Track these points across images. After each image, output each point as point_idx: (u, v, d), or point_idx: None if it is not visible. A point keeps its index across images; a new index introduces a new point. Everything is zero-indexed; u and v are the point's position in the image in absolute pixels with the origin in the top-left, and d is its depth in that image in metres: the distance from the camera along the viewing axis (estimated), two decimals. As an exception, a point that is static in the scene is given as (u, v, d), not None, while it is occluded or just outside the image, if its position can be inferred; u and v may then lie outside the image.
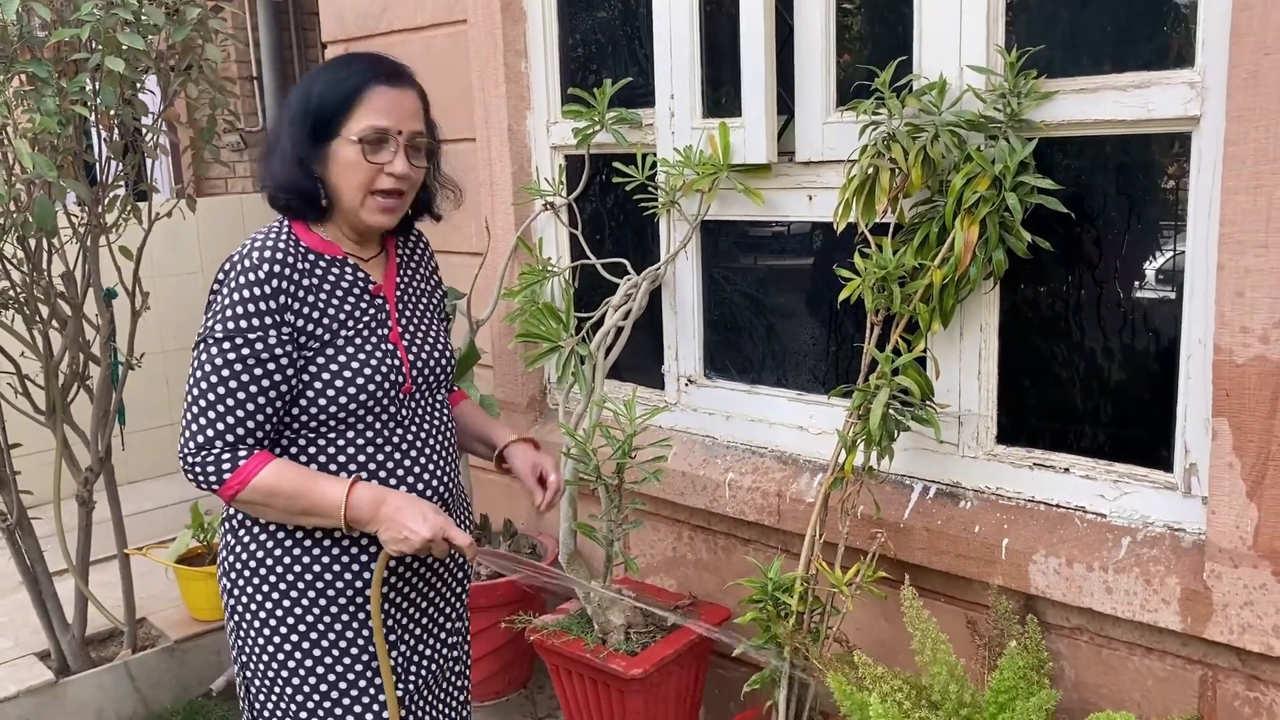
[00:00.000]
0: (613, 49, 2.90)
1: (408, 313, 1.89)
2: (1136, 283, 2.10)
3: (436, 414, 1.92)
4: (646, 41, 2.76)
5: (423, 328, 1.91)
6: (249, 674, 1.88)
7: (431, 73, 3.15)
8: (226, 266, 1.76)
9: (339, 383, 1.76)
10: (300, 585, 1.81)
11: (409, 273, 1.94)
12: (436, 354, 1.91)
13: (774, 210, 2.54)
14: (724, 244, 2.75)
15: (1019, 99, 2.06)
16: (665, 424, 2.80)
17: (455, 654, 2.04)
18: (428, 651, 1.96)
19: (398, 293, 1.89)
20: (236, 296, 1.71)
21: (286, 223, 1.80)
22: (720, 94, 2.62)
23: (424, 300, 1.95)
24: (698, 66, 2.60)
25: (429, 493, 1.86)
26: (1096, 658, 2.17)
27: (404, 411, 1.84)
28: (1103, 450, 2.16)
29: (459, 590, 2.03)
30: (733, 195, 2.59)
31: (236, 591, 1.84)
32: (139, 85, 2.93)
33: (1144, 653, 2.11)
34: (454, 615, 2.02)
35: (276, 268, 1.72)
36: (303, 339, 1.74)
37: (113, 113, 2.81)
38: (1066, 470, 2.19)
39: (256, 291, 1.71)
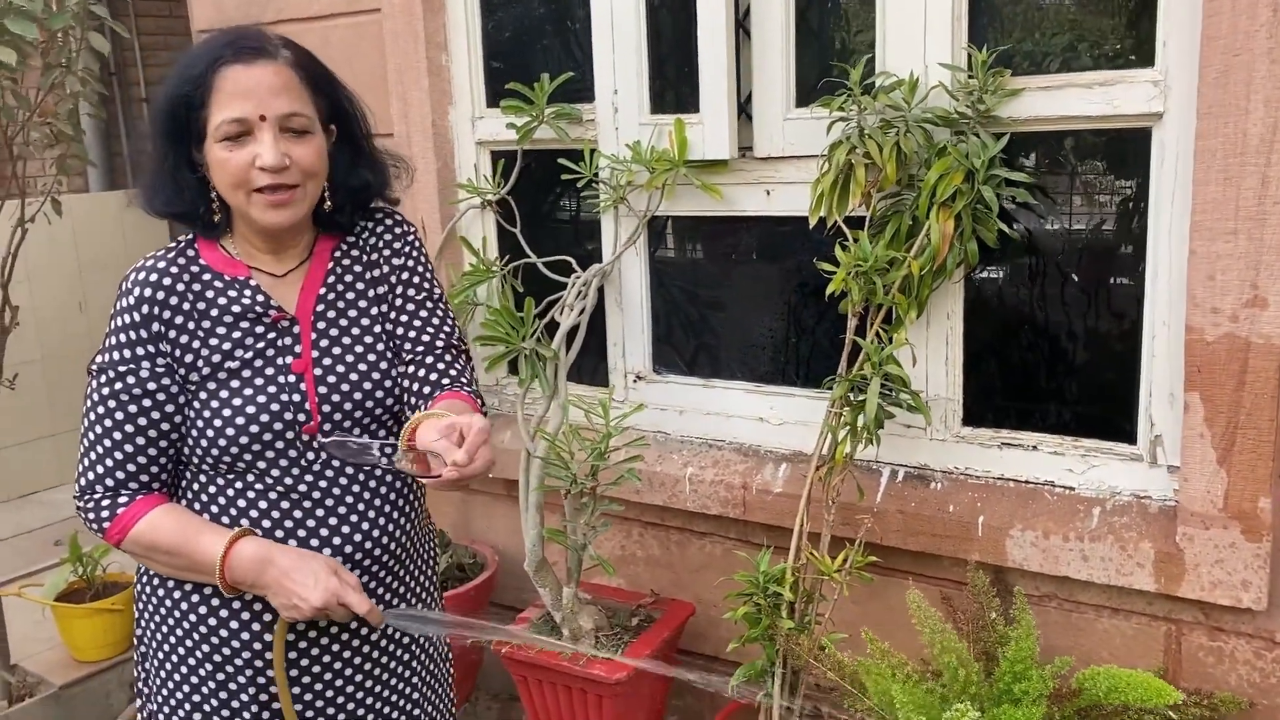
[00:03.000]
0: (542, 42, 2.83)
1: (333, 333, 1.63)
2: (1099, 268, 2.23)
3: None
4: (582, 34, 2.71)
5: (353, 352, 1.63)
6: (151, 709, 1.71)
7: (331, 66, 3.02)
8: (119, 288, 1.59)
9: (218, 422, 1.54)
10: (205, 648, 1.61)
11: (344, 284, 1.66)
12: (367, 386, 1.62)
13: (730, 206, 2.56)
14: (672, 239, 2.75)
15: (989, 95, 2.15)
16: (612, 420, 2.76)
17: None
18: None
19: (319, 309, 1.63)
20: (112, 325, 1.57)
21: (192, 237, 1.63)
22: (666, 89, 2.61)
23: (366, 319, 1.67)
24: (644, 62, 2.58)
25: (337, 556, 1.60)
26: (1066, 621, 2.31)
27: (309, 456, 1.59)
28: (1068, 427, 2.29)
29: (404, 656, 1.74)
30: (684, 190, 2.58)
31: (140, 629, 1.70)
32: (17, 79, 2.64)
33: (1111, 613, 2.25)
34: (404, 688, 1.75)
35: (149, 291, 1.54)
36: (183, 371, 1.55)
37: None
38: (1034, 448, 2.31)
39: (128, 319, 1.55)
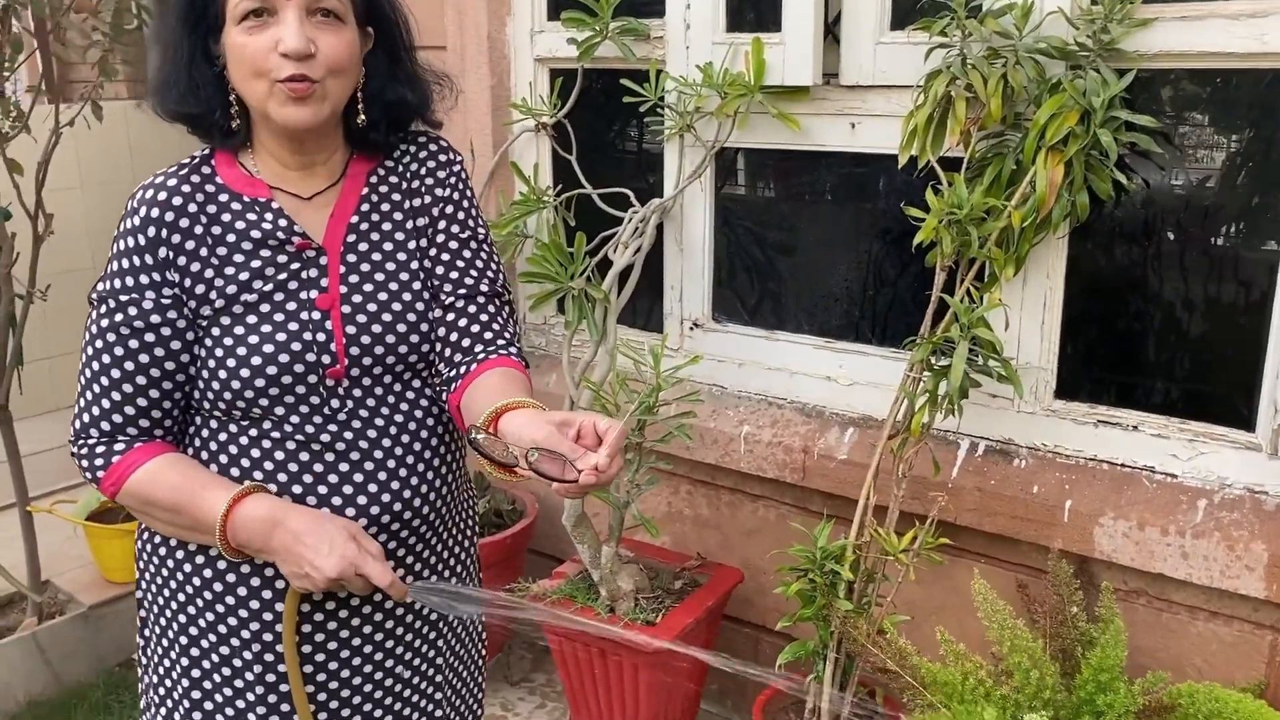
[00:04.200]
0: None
1: (364, 267, 1.42)
2: (1226, 230, 1.96)
3: (394, 408, 1.43)
4: (654, -58, 2.46)
5: (387, 290, 1.43)
6: (152, 680, 1.54)
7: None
8: (125, 207, 1.39)
9: (231, 362, 1.35)
10: (209, 616, 1.43)
11: (380, 214, 1.46)
12: (401, 328, 1.42)
13: (809, 139, 2.31)
14: (741, 174, 2.51)
15: (1115, 25, 1.87)
16: (665, 371, 2.56)
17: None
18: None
19: (350, 239, 1.42)
20: (115, 249, 1.37)
21: (209, 152, 1.42)
22: (745, 5, 2.35)
23: (402, 253, 1.46)
24: (723, -27, 2.32)
25: (361, 517, 1.40)
26: (1155, 622, 2.08)
27: (333, 404, 1.39)
28: (1175, 407, 2.04)
29: (430, 634, 1.53)
30: (758, 120, 2.34)
31: (140, 591, 1.52)
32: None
33: (1209, 617, 2.02)
34: (428, 669, 1.55)
35: (156, 212, 1.34)
36: (193, 304, 1.36)
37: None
38: (1134, 428, 2.06)
39: (132, 243, 1.35)
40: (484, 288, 1.49)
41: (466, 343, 1.45)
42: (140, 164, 4.56)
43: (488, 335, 1.46)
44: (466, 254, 1.49)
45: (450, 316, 1.46)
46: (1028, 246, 1.98)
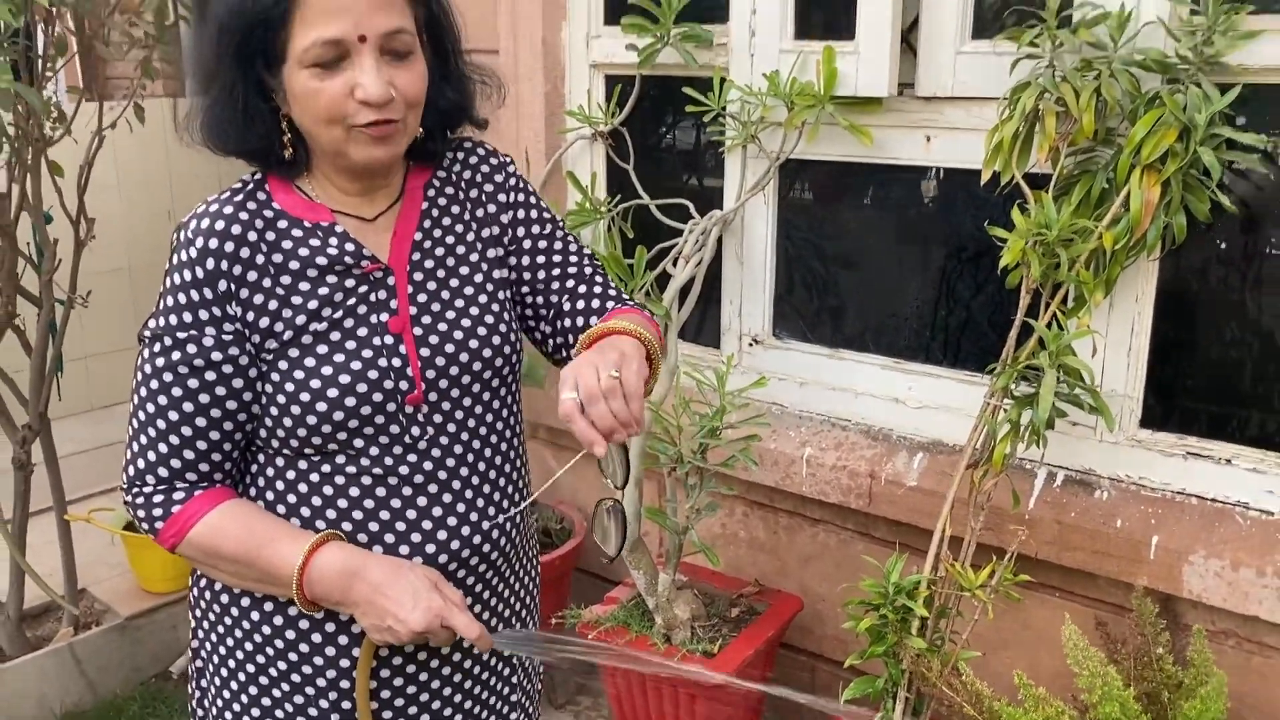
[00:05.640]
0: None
1: (431, 286, 1.37)
2: (1333, 255, 1.85)
3: (474, 432, 1.37)
4: (717, -55, 2.36)
5: (454, 307, 1.37)
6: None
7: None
8: (174, 239, 1.31)
9: (305, 396, 1.27)
10: (281, 665, 1.36)
11: (442, 228, 1.40)
12: (473, 344, 1.36)
13: (881, 152, 2.21)
14: (804, 187, 2.41)
15: (1219, 37, 1.77)
16: (729, 393, 2.47)
17: None
18: None
19: (415, 257, 1.36)
20: (168, 283, 1.28)
21: (261, 176, 1.34)
22: (814, 10, 2.26)
23: (466, 266, 1.40)
24: (791, -22, 2.23)
25: (441, 554, 1.33)
26: (1244, 665, 1.97)
27: (414, 431, 1.32)
28: (1272, 441, 1.94)
29: (506, 673, 1.49)
30: (826, 131, 2.24)
31: (197, 641, 1.44)
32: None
33: (1304, 663, 1.92)
34: (505, 709, 1.50)
35: (215, 243, 1.26)
36: (257, 339, 1.29)
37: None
38: (1228, 461, 1.96)
39: (189, 276, 1.27)
40: (588, 266, 1.49)
41: (595, 319, 1.42)
42: (177, 163, 4.52)
43: (609, 304, 1.44)
44: (558, 245, 1.48)
45: (567, 305, 1.44)
46: (1118, 269, 1.88)
